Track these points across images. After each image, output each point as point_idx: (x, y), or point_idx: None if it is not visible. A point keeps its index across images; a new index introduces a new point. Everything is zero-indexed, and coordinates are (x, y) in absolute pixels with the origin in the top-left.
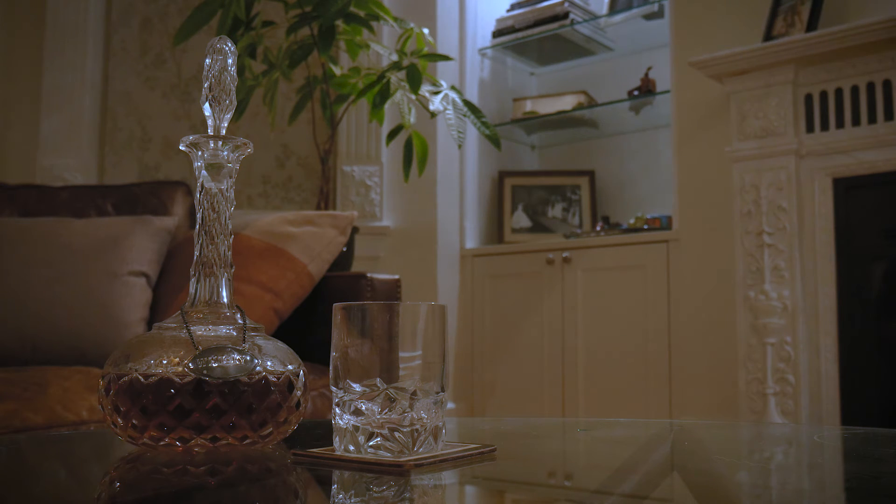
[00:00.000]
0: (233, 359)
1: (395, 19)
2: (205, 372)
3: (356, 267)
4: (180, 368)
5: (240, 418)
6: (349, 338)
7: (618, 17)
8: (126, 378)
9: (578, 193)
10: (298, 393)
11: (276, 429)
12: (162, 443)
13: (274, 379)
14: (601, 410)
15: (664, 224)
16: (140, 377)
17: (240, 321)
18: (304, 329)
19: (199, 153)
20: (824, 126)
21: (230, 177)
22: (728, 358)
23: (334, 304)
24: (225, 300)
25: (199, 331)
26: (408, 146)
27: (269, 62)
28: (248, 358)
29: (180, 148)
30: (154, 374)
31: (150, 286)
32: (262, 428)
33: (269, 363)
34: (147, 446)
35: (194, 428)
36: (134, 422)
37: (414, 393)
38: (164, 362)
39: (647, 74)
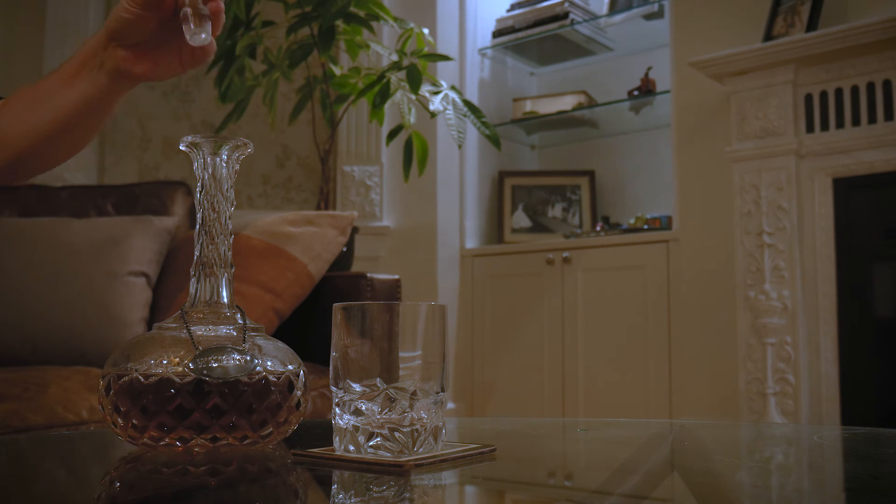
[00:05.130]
0: (233, 359)
1: (395, 19)
2: (205, 372)
3: (356, 267)
4: (180, 368)
5: (240, 418)
6: (349, 338)
7: (618, 18)
8: (126, 378)
9: (578, 193)
10: (298, 393)
11: (276, 429)
12: (162, 443)
13: (274, 379)
14: (601, 410)
15: (664, 224)
16: (140, 377)
17: (240, 321)
18: (304, 329)
19: (199, 153)
20: (824, 126)
21: (230, 177)
22: (728, 358)
23: (334, 304)
24: (225, 300)
25: (199, 331)
26: (408, 146)
27: (269, 62)
28: (248, 358)
29: (180, 148)
30: (154, 374)
31: (150, 286)
32: (262, 428)
33: (269, 363)
34: (147, 446)
35: (194, 428)
36: (134, 422)
37: (414, 393)
38: (164, 362)
39: (647, 74)
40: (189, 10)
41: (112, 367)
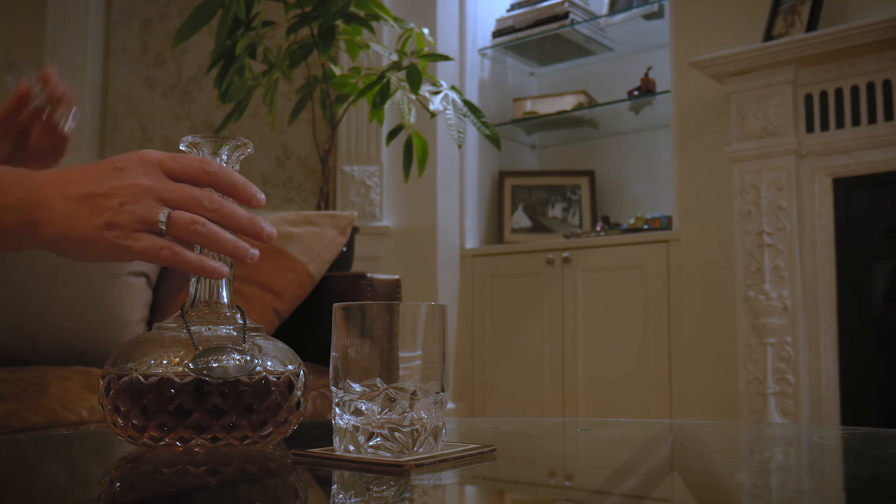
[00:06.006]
0: (233, 359)
1: (395, 19)
2: (205, 372)
3: (356, 267)
4: (180, 368)
5: (240, 418)
6: (349, 338)
7: (618, 17)
8: (126, 378)
9: (578, 193)
10: (298, 393)
11: (276, 429)
12: (162, 443)
13: (274, 379)
14: (601, 410)
15: (664, 224)
16: (140, 377)
17: (240, 321)
18: (304, 329)
19: (200, 153)
20: (824, 126)
21: None
22: (728, 358)
23: (334, 304)
24: (225, 300)
25: (199, 331)
26: (408, 146)
27: (269, 62)
28: (248, 358)
29: (180, 148)
30: (154, 374)
31: (150, 286)
32: (262, 428)
33: (269, 363)
34: (147, 446)
35: (194, 428)
36: (134, 422)
37: (414, 393)
38: (164, 362)
39: (647, 74)
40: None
41: (112, 367)
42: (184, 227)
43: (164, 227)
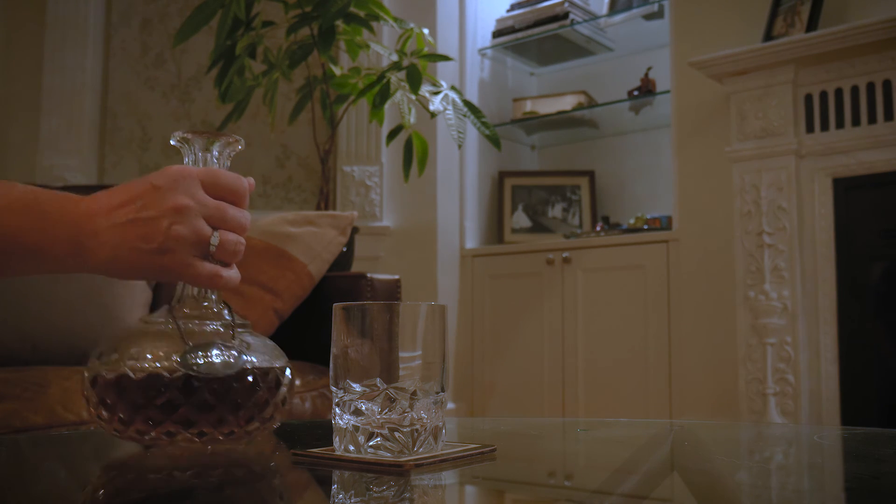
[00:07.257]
0: (220, 354)
1: (395, 19)
2: (194, 367)
3: (356, 267)
4: (167, 363)
5: (227, 414)
6: (349, 338)
7: (618, 18)
8: (113, 372)
9: (578, 193)
10: (284, 389)
11: (262, 424)
12: (147, 437)
13: (261, 375)
14: (601, 410)
15: (664, 224)
16: (127, 371)
17: (227, 317)
18: (305, 329)
19: (191, 149)
20: (824, 126)
21: None
22: (728, 358)
23: (334, 304)
24: (213, 296)
25: (187, 326)
26: (408, 146)
27: (269, 62)
28: (235, 354)
29: (171, 143)
30: (141, 368)
31: (150, 286)
32: (248, 424)
33: (255, 359)
34: (132, 439)
35: (181, 423)
36: (120, 416)
37: (414, 393)
38: (149, 356)
39: (647, 74)
40: None
41: (98, 360)
42: (231, 250)
43: (213, 250)
